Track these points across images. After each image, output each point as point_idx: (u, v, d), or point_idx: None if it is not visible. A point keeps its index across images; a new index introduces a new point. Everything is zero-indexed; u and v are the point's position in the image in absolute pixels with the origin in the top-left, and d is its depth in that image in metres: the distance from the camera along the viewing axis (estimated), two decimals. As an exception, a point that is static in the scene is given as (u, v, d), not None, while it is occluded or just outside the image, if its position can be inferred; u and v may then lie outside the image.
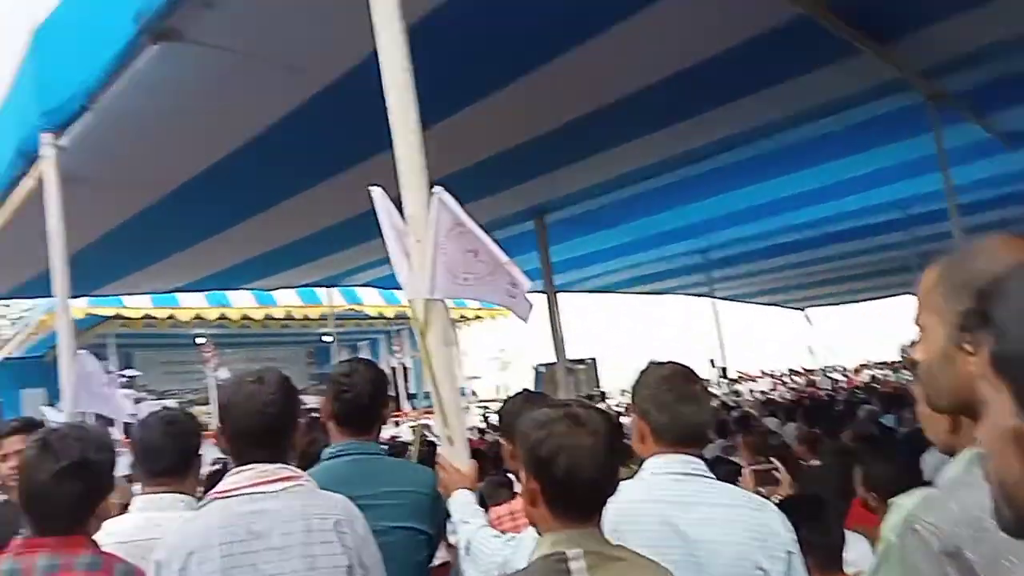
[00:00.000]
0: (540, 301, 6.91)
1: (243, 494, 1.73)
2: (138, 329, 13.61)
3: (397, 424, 13.72)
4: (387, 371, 16.67)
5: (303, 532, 1.70)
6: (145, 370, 15.74)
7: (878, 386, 14.19)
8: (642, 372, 1.88)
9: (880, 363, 24.60)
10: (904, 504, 1.25)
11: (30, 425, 2.88)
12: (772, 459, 3.62)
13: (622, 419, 13.61)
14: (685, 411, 1.76)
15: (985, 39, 4.16)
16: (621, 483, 1.50)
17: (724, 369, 13.34)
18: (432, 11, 3.03)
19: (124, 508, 2.27)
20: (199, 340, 14.42)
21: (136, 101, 3.37)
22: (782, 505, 2.04)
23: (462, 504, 1.93)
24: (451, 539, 1.96)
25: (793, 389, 19.84)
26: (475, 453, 2.10)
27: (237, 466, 1.80)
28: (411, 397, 17.05)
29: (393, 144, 1.97)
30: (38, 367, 13.67)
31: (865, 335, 27.83)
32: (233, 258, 7.09)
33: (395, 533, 1.99)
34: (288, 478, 1.77)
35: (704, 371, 15.90)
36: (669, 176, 6.10)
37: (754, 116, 4.93)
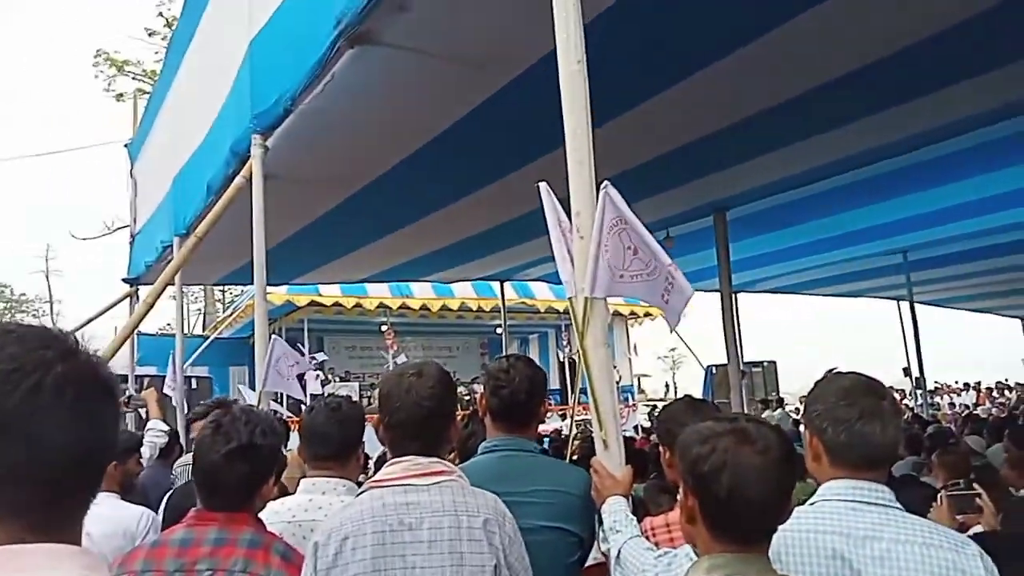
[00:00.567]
0: (715, 300, 6.67)
1: (396, 485, 1.76)
2: (329, 315, 14.71)
3: (563, 417, 13.82)
4: (555, 365, 16.89)
5: (452, 528, 1.71)
6: (332, 353, 16.99)
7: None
8: (818, 383, 1.69)
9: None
10: None
11: (220, 406, 3.18)
12: (974, 484, 3.23)
13: (802, 429, 12.89)
14: (867, 430, 1.55)
15: None
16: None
17: (920, 379, 12.14)
18: (611, 6, 2.99)
19: (297, 481, 2.42)
20: (382, 327, 15.34)
21: (331, 103, 3.62)
22: (984, 540, 1.76)
23: (614, 511, 1.87)
24: (602, 546, 1.90)
25: (1002, 404, 17.71)
26: (639, 453, 2.03)
27: (392, 457, 1.84)
28: (582, 391, 17.10)
29: (564, 140, 1.96)
30: (243, 347, 15.21)
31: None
32: (415, 251, 7.48)
33: (545, 532, 1.97)
34: (440, 472, 1.79)
35: (896, 380, 14.63)
36: (863, 172, 5.64)
37: (959, 108, 4.45)
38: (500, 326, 12.55)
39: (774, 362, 17.35)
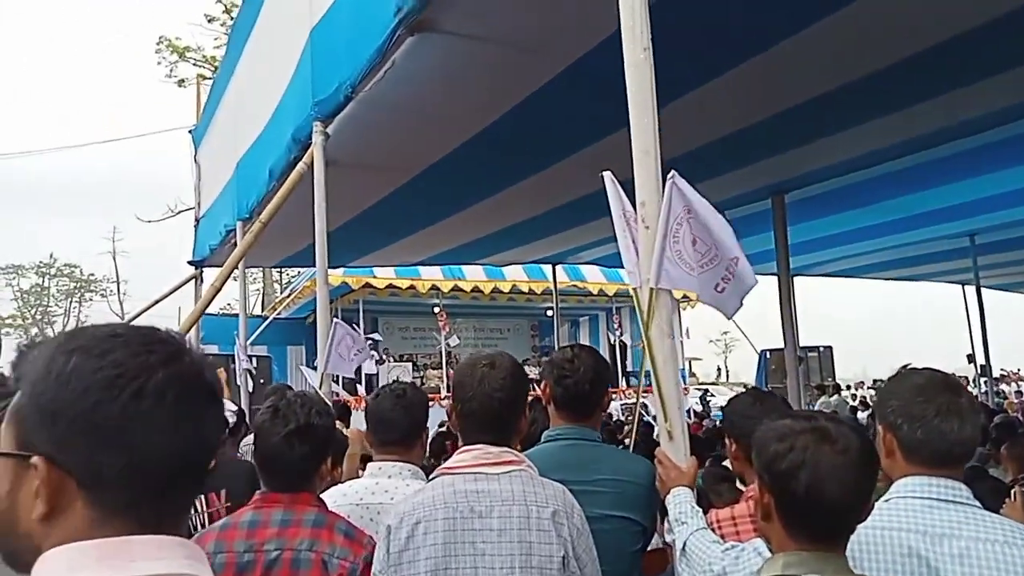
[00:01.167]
0: (769, 283, 6.55)
1: (467, 473, 1.80)
2: (383, 297, 14.95)
3: (611, 401, 13.78)
4: (605, 348, 16.84)
5: (522, 518, 1.73)
6: (386, 334, 17.25)
7: None
8: (893, 378, 1.67)
9: None
10: None
11: (282, 392, 3.27)
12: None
13: (859, 415, 12.60)
14: (945, 427, 1.53)
15: None
16: None
17: (985, 367, 11.74)
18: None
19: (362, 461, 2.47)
20: (435, 309, 15.52)
21: (391, 90, 3.66)
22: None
23: (680, 502, 1.86)
24: (667, 538, 1.90)
25: (1075, 395, 17.00)
26: (692, 439, 2.02)
27: (464, 445, 1.88)
28: (628, 375, 17.05)
29: (630, 129, 1.94)
30: (301, 327, 15.62)
31: None
32: (469, 235, 7.52)
33: (609, 521, 1.98)
34: (511, 462, 1.81)
35: (959, 368, 14.17)
36: (927, 153, 5.45)
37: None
38: (551, 308, 12.56)
39: (830, 347, 17.01)
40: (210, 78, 11.12)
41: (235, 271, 5.46)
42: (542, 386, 2.23)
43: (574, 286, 15.18)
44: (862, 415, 12.67)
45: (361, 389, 12.32)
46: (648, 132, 1.92)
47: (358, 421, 3.21)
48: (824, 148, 5.23)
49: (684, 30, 3.31)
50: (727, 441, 2.25)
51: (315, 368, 4.39)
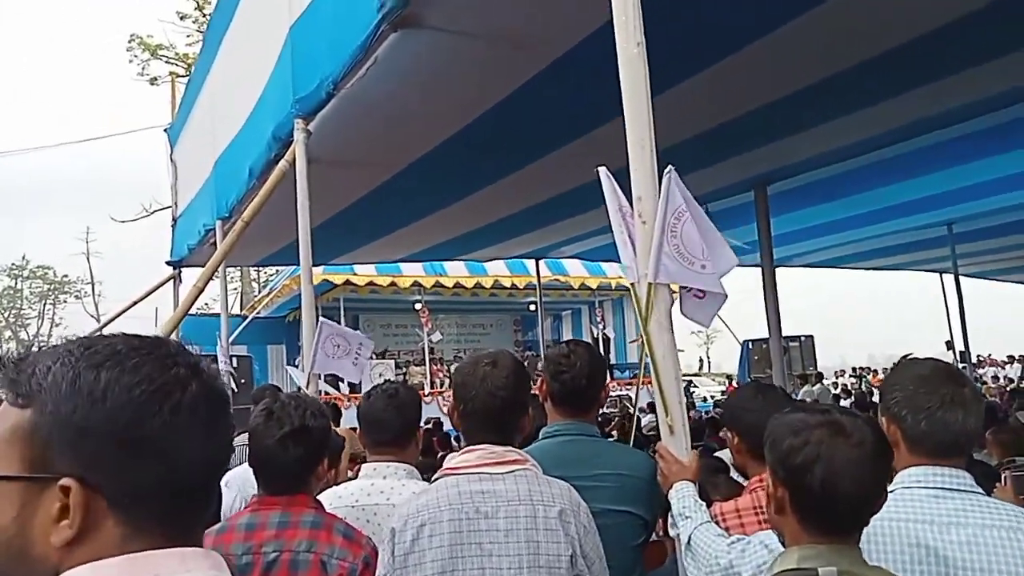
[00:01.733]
0: (750, 275, 6.59)
1: (472, 473, 1.78)
2: (363, 294, 14.87)
3: (608, 396, 13.82)
4: (588, 340, 16.89)
5: (528, 518, 1.72)
6: (367, 331, 17.16)
7: None
8: (895, 369, 1.67)
9: None
10: None
11: (275, 393, 3.22)
12: (1031, 460, 3.15)
13: (841, 403, 12.74)
14: (949, 418, 1.53)
15: None
16: None
17: (964, 352, 11.92)
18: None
19: (356, 460, 2.44)
20: (416, 305, 15.46)
21: (373, 87, 3.61)
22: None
23: (683, 496, 1.86)
24: (671, 532, 1.90)
25: (1049, 378, 17.35)
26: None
27: (467, 445, 1.86)
28: (612, 368, 17.12)
29: (625, 124, 1.93)
30: (281, 326, 15.50)
31: None
32: (452, 232, 7.49)
33: (611, 516, 1.97)
34: (515, 461, 1.80)
35: (937, 354, 14.36)
36: (906, 145, 5.53)
37: (1006, 80, 4.36)
38: (533, 303, 12.56)
39: (811, 336, 17.15)
40: (184, 76, 10.96)
41: (216, 271, 5.39)
42: (538, 382, 2.22)
43: (556, 280, 15.21)
44: (844, 403, 12.82)
45: (344, 386, 12.25)
46: (643, 126, 1.91)
47: (348, 420, 3.18)
48: (806, 140, 5.26)
49: (667, 25, 3.29)
50: (729, 434, 2.25)
51: (299, 366, 4.33)
